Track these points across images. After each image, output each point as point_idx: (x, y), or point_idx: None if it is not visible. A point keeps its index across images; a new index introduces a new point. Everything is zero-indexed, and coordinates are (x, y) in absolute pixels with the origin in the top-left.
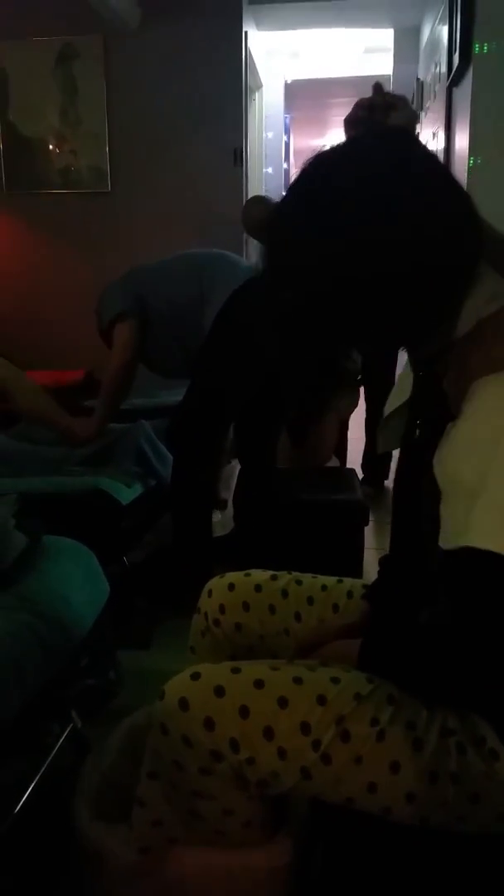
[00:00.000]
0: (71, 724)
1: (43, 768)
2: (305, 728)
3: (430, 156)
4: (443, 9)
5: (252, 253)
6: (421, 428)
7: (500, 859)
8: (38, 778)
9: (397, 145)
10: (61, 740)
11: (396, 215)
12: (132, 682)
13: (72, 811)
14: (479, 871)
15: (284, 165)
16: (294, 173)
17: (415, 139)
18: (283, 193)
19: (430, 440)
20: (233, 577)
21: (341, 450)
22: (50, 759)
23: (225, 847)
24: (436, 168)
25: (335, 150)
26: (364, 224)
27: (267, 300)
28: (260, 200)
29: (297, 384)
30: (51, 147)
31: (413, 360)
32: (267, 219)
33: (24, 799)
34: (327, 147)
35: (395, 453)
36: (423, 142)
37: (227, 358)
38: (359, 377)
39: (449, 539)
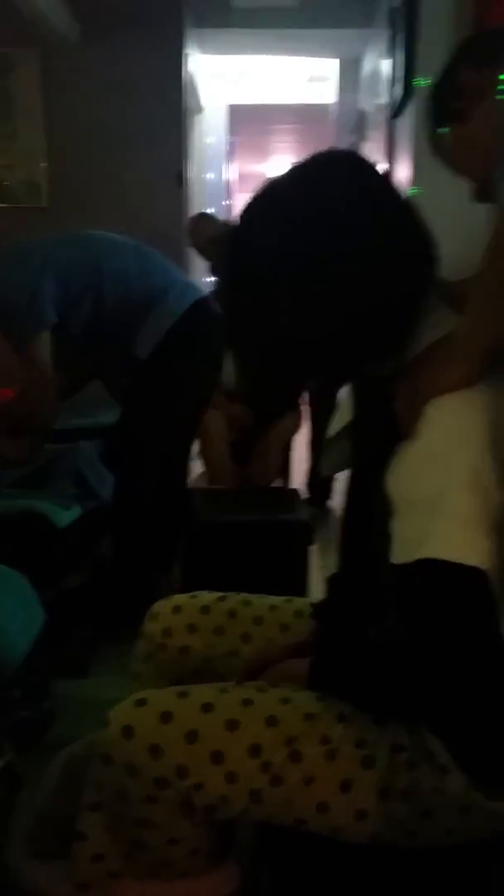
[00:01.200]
0: (3, 758)
1: None
2: (255, 750)
3: (389, 185)
4: (385, 42)
5: (195, 272)
6: (371, 448)
7: (449, 875)
8: None
9: (357, 173)
10: None
11: (357, 248)
12: (69, 712)
13: (5, 850)
14: (429, 888)
15: (225, 190)
16: (237, 197)
17: (373, 166)
18: (238, 218)
19: (380, 459)
20: (178, 599)
21: (285, 470)
22: None
23: (170, 878)
24: (395, 196)
25: (294, 176)
26: (325, 258)
27: (226, 313)
28: (208, 217)
29: (262, 411)
30: None
31: (359, 385)
32: (224, 253)
33: None
34: (286, 171)
35: (341, 474)
36: None
37: (166, 388)
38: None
39: (403, 553)
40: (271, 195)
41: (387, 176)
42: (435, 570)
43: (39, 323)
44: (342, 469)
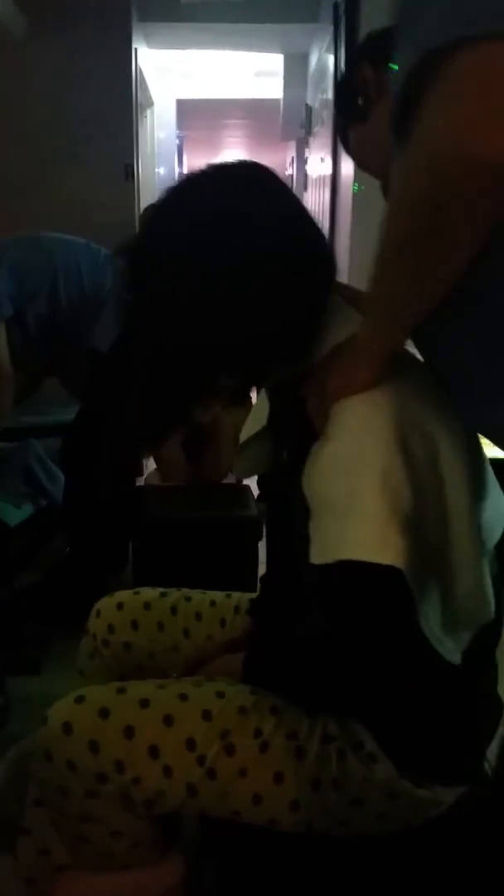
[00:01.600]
0: None
1: None
2: (191, 744)
3: (290, 196)
4: (329, 38)
5: None
6: (287, 449)
7: (385, 860)
8: None
9: (258, 182)
10: None
11: (256, 256)
12: (21, 709)
13: None
14: (363, 873)
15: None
16: None
17: (277, 177)
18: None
19: (296, 461)
20: (121, 595)
21: None
22: None
23: (114, 870)
24: (295, 210)
25: (200, 181)
26: (223, 265)
27: (126, 320)
28: None
29: (166, 410)
30: None
31: (271, 387)
32: (133, 244)
33: None
34: (195, 172)
35: None
36: (312, 165)
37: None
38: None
39: (320, 555)
40: (174, 202)
41: (287, 188)
42: (352, 571)
43: None
44: (257, 472)
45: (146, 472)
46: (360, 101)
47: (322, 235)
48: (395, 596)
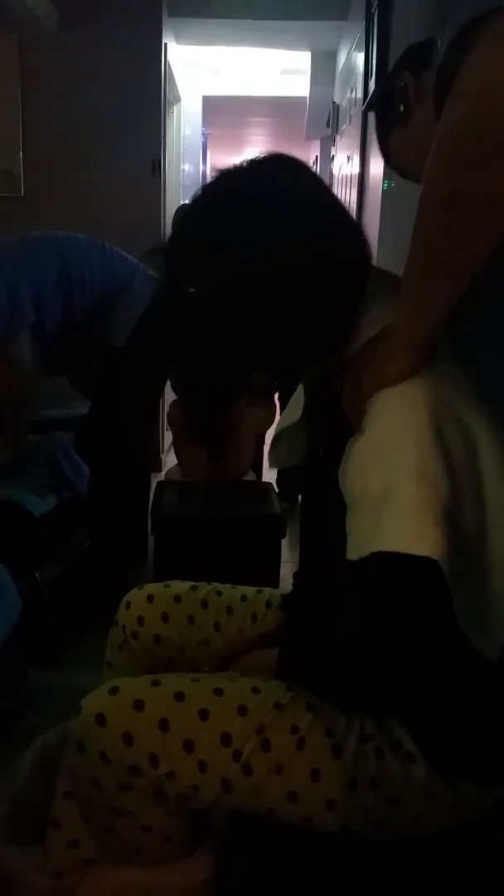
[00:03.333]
0: None
1: None
2: (226, 739)
3: (323, 185)
4: (359, 35)
5: None
6: (322, 446)
7: (418, 862)
8: None
9: (294, 174)
10: None
11: (291, 244)
12: (42, 700)
13: None
14: (399, 876)
15: (201, 181)
16: None
17: (309, 168)
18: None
19: (332, 457)
20: (152, 588)
21: (257, 464)
22: None
23: (143, 865)
24: (328, 198)
25: (234, 175)
26: (259, 252)
27: (164, 320)
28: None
29: (198, 404)
30: None
31: (307, 381)
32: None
33: None
34: (225, 170)
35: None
36: (338, 164)
37: (143, 373)
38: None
39: (356, 549)
40: (209, 196)
41: (318, 177)
42: (387, 563)
43: (21, 323)
44: (290, 463)
45: (166, 468)
46: (401, 108)
47: (355, 222)
48: (432, 589)
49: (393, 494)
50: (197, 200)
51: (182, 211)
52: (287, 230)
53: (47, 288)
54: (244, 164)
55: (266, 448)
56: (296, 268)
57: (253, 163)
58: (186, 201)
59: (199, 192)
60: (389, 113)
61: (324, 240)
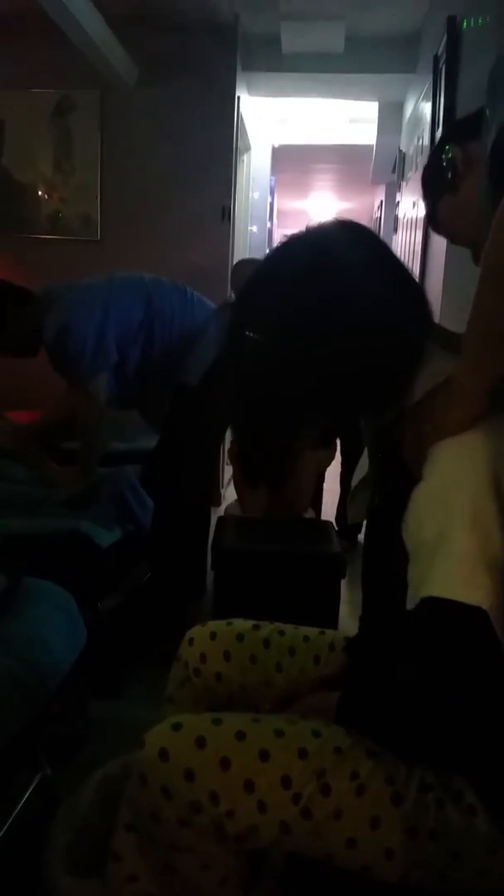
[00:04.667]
0: (41, 773)
1: (11, 817)
2: (286, 781)
3: (387, 250)
4: (427, 86)
5: None
6: (381, 496)
7: None
8: (5, 828)
9: (361, 240)
10: (31, 788)
11: (356, 309)
12: (101, 731)
13: (42, 863)
14: None
15: (269, 225)
16: (277, 233)
17: (374, 234)
18: (266, 252)
19: (394, 507)
20: (215, 625)
21: (317, 502)
22: (19, 808)
23: None
24: (393, 262)
25: (303, 241)
26: (322, 316)
27: (232, 370)
28: (249, 262)
29: (254, 448)
30: (40, 193)
31: (369, 434)
32: (237, 297)
33: None
34: (298, 233)
35: None
36: (403, 209)
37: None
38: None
39: (413, 595)
40: (277, 258)
41: (385, 244)
42: (436, 609)
43: (104, 363)
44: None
45: (225, 502)
46: (449, 176)
47: (418, 285)
48: (481, 637)
49: (445, 541)
50: (267, 263)
51: (251, 268)
52: (353, 294)
53: (131, 330)
54: (312, 228)
55: (325, 485)
56: (358, 328)
57: (321, 228)
58: (249, 256)
59: (270, 255)
60: (437, 182)
61: (387, 305)
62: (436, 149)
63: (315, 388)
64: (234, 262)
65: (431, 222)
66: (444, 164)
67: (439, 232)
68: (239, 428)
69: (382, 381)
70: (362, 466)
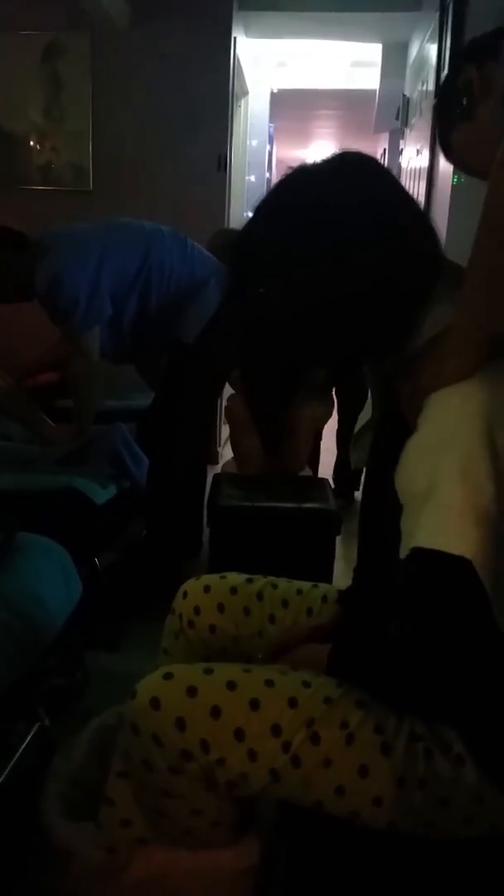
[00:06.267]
0: (38, 723)
1: (10, 766)
2: (276, 730)
3: (396, 183)
4: (432, 27)
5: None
6: (381, 445)
7: (465, 865)
8: (5, 775)
9: (368, 171)
10: (28, 738)
11: (365, 240)
12: (98, 683)
13: (39, 809)
14: (445, 877)
15: (267, 175)
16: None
17: (382, 166)
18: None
19: (390, 456)
20: (208, 579)
21: (314, 460)
22: (17, 757)
23: (192, 847)
24: (402, 195)
25: (308, 172)
26: (329, 248)
27: (232, 315)
28: (224, 232)
29: (263, 398)
30: (31, 143)
31: (373, 383)
32: (236, 236)
33: None
34: (299, 166)
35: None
36: (407, 158)
37: (206, 370)
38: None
39: (403, 547)
40: (283, 192)
41: (393, 177)
42: (424, 560)
43: (97, 317)
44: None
45: (222, 460)
46: (464, 102)
47: (428, 219)
48: (467, 589)
49: (435, 492)
50: (270, 196)
51: (261, 199)
52: (361, 226)
53: (126, 282)
54: (317, 161)
55: (322, 443)
56: (367, 260)
57: (326, 161)
58: (243, 212)
59: (273, 188)
60: (452, 107)
61: (397, 236)
62: (451, 70)
63: (321, 322)
64: (212, 233)
65: (445, 152)
66: (460, 87)
67: (453, 162)
68: (245, 377)
69: (389, 317)
70: (367, 411)
